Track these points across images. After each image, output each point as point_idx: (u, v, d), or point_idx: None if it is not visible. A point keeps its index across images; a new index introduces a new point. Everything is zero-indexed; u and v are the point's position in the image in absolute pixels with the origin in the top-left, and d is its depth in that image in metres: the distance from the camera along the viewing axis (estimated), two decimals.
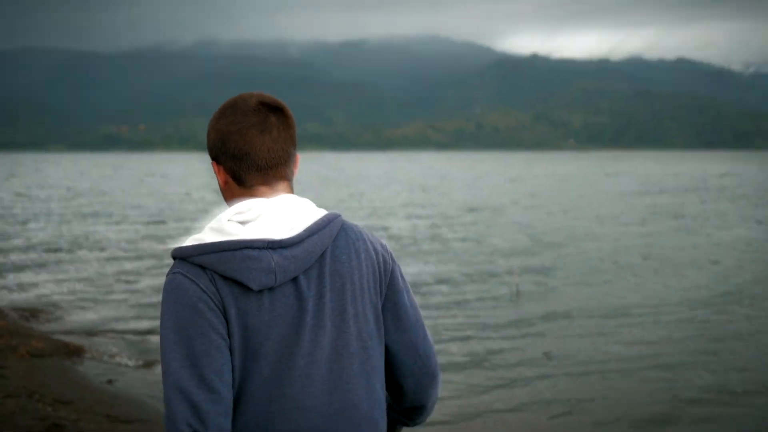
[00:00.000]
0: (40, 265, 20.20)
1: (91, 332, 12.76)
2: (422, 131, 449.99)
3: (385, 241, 2.30)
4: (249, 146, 2.15)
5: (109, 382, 9.80)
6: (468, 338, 12.53)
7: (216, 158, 2.20)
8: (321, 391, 2.12)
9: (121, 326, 13.33)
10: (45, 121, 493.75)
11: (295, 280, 2.10)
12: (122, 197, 48.41)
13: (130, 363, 10.88)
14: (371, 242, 2.25)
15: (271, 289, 2.07)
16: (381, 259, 2.24)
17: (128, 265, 20.16)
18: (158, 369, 9.66)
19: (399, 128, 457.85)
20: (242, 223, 2.11)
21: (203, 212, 34.87)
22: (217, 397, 2.00)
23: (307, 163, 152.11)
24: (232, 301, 2.05)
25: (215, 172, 2.22)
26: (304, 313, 2.10)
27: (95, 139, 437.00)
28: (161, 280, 15.74)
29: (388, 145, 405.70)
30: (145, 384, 9.88)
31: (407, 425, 2.48)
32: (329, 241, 2.14)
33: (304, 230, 2.11)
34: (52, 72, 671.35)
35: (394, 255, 2.30)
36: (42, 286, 17.33)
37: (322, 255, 2.14)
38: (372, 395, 2.20)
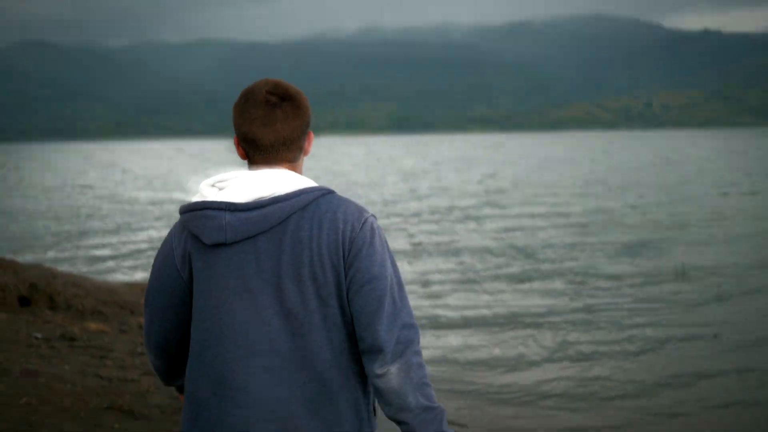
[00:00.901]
0: None
1: None
2: (589, 111, 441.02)
3: (368, 215, 2.49)
4: (254, 136, 2.50)
5: None
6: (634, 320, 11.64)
7: (236, 136, 2.60)
8: (283, 338, 2.40)
9: None
10: (218, 109, 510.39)
11: (255, 240, 2.41)
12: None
13: None
14: (344, 214, 2.43)
15: (231, 245, 2.42)
16: (348, 229, 2.42)
17: None
18: None
19: (565, 108, 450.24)
20: (220, 188, 2.49)
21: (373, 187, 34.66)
22: (165, 321, 2.60)
23: (470, 143, 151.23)
24: (198, 253, 2.47)
25: (235, 146, 2.61)
26: (262, 270, 2.41)
27: None
28: None
29: (554, 126, 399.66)
30: None
31: (395, 422, 2.48)
32: (292, 210, 2.40)
33: (270, 198, 2.40)
34: (223, 62, 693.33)
35: (375, 225, 2.48)
36: None
37: (287, 221, 2.40)
38: (335, 345, 2.43)
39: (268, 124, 2.49)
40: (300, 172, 2.57)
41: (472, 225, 23.84)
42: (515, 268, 16.36)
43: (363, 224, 2.45)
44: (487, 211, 27.72)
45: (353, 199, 2.36)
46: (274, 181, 2.44)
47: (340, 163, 70.04)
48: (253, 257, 2.41)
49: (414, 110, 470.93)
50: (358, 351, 2.48)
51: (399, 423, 2.45)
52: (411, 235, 21.96)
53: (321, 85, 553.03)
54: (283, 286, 2.41)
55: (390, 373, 2.39)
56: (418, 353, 2.44)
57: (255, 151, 2.53)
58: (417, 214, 28.10)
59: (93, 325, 9.85)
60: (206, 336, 2.47)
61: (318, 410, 2.41)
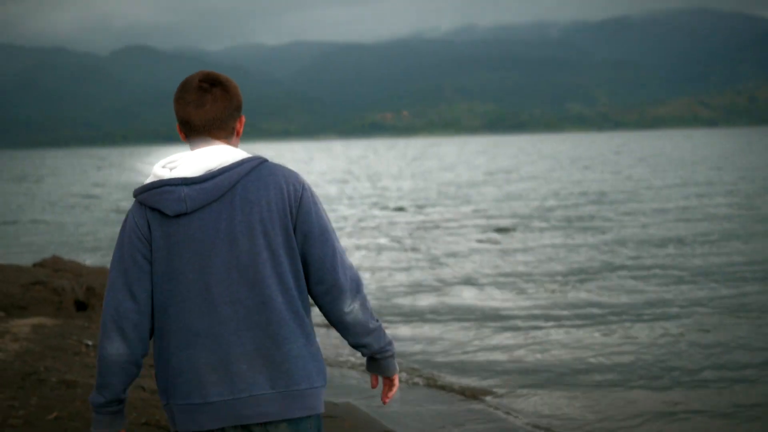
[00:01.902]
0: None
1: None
2: (689, 108, 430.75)
3: (303, 178, 2.93)
4: (188, 117, 2.90)
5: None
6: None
7: (177, 122, 2.98)
8: (242, 288, 2.81)
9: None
10: (314, 110, 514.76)
11: (210, 206, 2.82)
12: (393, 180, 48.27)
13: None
14: (284, 176, 2.88)
15: (189, 213, 2.81)
16: (291, 189, 2.87)
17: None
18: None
19: (664, 106, 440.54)
20: (171, 168, 2.86)
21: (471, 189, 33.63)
22: (135, 298, 2.80)
23: (564, 144, 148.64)
24: (158, 225, 2.83)
25: (178, 131, 2.99)
26: (219, 231, 2.81)
27: (361, 126, 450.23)
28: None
29: (653, 124, 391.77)
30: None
31: (357, 347, 3.06)
32: (238, 177, 2.83)
33: (217, 170, 2.82)
34: (319, 64, 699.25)
35: (309, 187, 2.92)
36: None
37: (234, 187, 2.83)
38: (287, 291, 2.86)
39: (199, 107, 2.88)
40: None
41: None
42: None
43: (303, 186, 2.90)
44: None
45: None
46: (218, 155, 2.84)
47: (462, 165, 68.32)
48: (210, 221, 2.81)
49: (509, 109, 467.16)
50: (303, 295, 2.91)
51: (361, 346, 3.05)
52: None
53: (416, 86, 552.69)
54: (238, 242, 2.81)
55: (356, 309, 2.94)
56: (363, 287, 3.01)
57: (191, 132, 2.92)
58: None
59: None
60: (169, 295, 2.82)
61: (280, 345, 2.83)
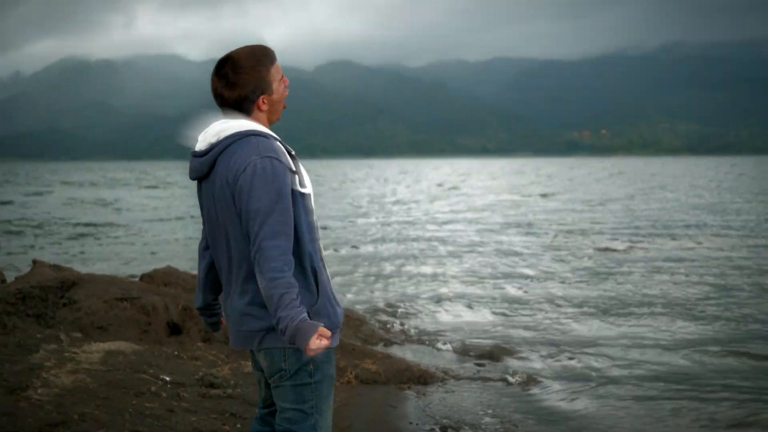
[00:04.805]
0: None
1: (459, 350, 10.26)
2: None
3: (256, 158, 3.19)
4: None
5: (443, 429, 6.85)
6: None
7: None
8: (224, 240, 3.36)
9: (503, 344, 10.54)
10: (512, 127, 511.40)
11: (208, 176, 3.35)
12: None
13: (505, 384, 8.50)
14: (238, 156, 3.22)
15: (201, 180, 3.40)
16: (236, 170, 3.19)
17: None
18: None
19: None
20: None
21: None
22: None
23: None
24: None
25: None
26: (207, 197, 3.37)
27: (558, 144, 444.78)
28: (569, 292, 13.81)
29: None
30: None
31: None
32: (217, 154, 3.26)
33: (211, 145, 3.30)
34: (519, 81, 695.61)
35: (259, 166, 3.16)
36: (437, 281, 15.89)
37: (215, 164, 3.31)
38: (232, 256, 3.34)
39: (213, 84, 3.40)
40: (262, 123, 3.40)
41: None
42: None
43: (246, 167, 3.17)
44: None
45: None
46: (219, 131, 3.30)
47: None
48: (205, 190, 3.38)
49: (714, 130, 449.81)
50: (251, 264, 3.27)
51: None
52: None
53: (617, 104, 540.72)
54: (215, 211, 3.33)
55: (264, 279, 3.13)
56: (271, 257, 3.10)
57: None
58: None
59: (250, 365, 7.42)
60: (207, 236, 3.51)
61: (244, 293, 3.32)
